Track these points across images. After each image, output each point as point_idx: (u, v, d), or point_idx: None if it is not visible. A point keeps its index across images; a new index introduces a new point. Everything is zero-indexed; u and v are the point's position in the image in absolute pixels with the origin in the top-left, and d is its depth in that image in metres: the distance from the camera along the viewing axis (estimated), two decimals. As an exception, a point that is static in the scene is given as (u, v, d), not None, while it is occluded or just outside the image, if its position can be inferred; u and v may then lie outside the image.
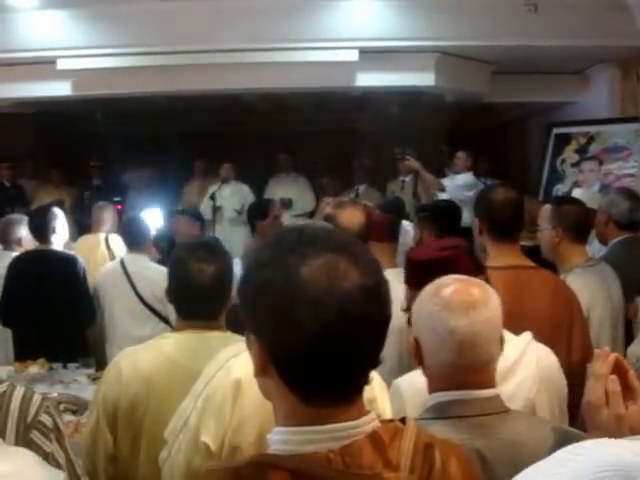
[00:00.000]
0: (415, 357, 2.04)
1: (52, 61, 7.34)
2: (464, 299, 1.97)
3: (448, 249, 2.59)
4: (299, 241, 1.30)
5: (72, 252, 5.67)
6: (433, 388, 2.02)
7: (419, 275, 2.43)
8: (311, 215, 9.45)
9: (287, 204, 9.58)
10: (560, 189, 8.22)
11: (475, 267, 2.44)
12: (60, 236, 5.51)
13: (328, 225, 2.97)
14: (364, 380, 1.33)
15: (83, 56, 7.35)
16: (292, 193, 9.83)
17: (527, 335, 2.50)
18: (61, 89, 7.75)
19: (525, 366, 2.40)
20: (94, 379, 4.54)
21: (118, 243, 6.34)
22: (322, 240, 1.30)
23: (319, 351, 1.24)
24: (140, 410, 2.56)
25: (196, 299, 2.66)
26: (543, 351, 2.53)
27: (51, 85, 7.71)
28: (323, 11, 7.22)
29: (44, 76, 7.59)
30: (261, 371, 1.33)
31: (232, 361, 2.19)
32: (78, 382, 4.54)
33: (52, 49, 7.28)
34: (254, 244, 5.46)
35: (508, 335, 2.42)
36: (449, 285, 2.02)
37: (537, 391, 2.38)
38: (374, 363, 1.33)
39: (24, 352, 4.92)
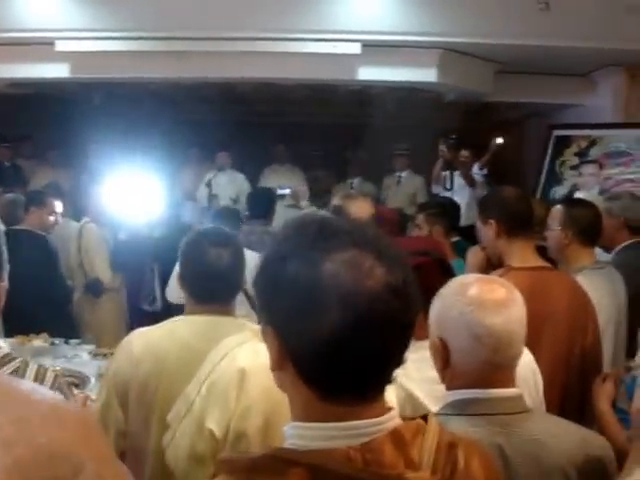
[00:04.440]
0: (438, 357, 2.01)
1: (51, 42, 7.26)
2: (495, 297, 1.96)
3: (422, 254, 2.56)
4: (320, 234, 1.26)
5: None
6: (454, 385, 1.99)
7: None
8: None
9: (281, 196, 9.56)
10: (558, 191, 8.22)
11: (443, 280, 2.41)
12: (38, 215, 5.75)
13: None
14: (387, 379, 1.30)
15: (82, 38, 7.28)
16: (286, 183, 9.81)
17: None
18: (59, 71, 7.66)
19: None
20: (95, 355, 4.77)
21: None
22: (345, 234, 1.26)
23: (341, 351, 1.21)
24: (151, 389, 2.59)
25: (211, 283, 2.69)
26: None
27: (49, 67, 7.62)
28: (327, 3, 7.19)
29: (42, 57, 7.50)
30: (277, 365, 1.30)
31: (237, 350, 2.21)
32: (80, 357, 4.71)
33: (51, 30, 7.20)
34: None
35: None
36: (474, 284, 2.00)
37: None
38: (399, 362, 1.30)
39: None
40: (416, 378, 2.32)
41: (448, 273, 2.55)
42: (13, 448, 0.51)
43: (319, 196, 9.29)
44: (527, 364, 2.45)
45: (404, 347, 1.29)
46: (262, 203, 6.11)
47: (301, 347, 1.24)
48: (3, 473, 0.50)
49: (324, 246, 1.23)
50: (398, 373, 2.10)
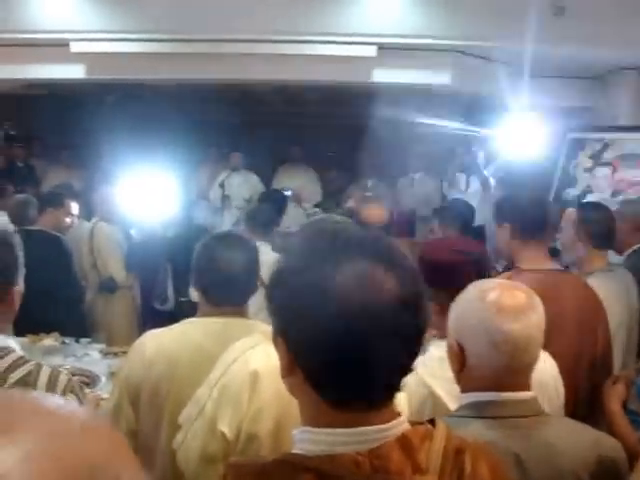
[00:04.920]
0: (455, 360, 2.02)
1: (66, 44, 7.29)
2: (514, 303, 1.96)
3: (459, 254, 2.58)
4: (333, 246, 1.28)
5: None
6: (469, 388, 2.01)
7: (428, 272, 2.45)
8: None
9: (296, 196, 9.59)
10: (571, 193, 8.19)
11: (478, 277, 2.41)
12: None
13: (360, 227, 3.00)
14: (395, 387, 1.32)
15: (97, 40, 7.31)
16: (299, 184, 9.83)
17: None
18: (74, 72, 7.68)
19: None
20: (105, 354, 4.74)
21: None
22: (357, 246, 1.28)
23: (349, 360, 1.23)
24: (163, 391, 2.60)
25: (225, 285, 2.70)
26: (542, 356, 2.52)
27: (64, 68, 7.65)
28: (343, 5, 7.18)
29: (58, 58, 7.54)
30: (287, 372, 1.32)
31: (249, 352, 2.21)
32: (90, 356, 4.69)
33: (67, 32, 7.23)
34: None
35: None
36: (493, 290, 2.01)
37: None
38: (407, 371, 1.32)
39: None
40: (439, 376, 2.34)
41: (484, 274, 2.55)
42: (55, 461, 0.52)
43: (333, 197, 9.31)
44: (548, 370, 2.47)
45: (413, 357, 1.31)
46: (276, 206, 6.13)
47: (310, 355, 1.27)
48: None
49: (335, 259, 1.25)
50: (422, 371, 2.12)
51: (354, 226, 1.34)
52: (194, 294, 5.26)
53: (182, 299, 6.21)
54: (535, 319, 1.96)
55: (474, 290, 2.04)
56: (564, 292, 3.14)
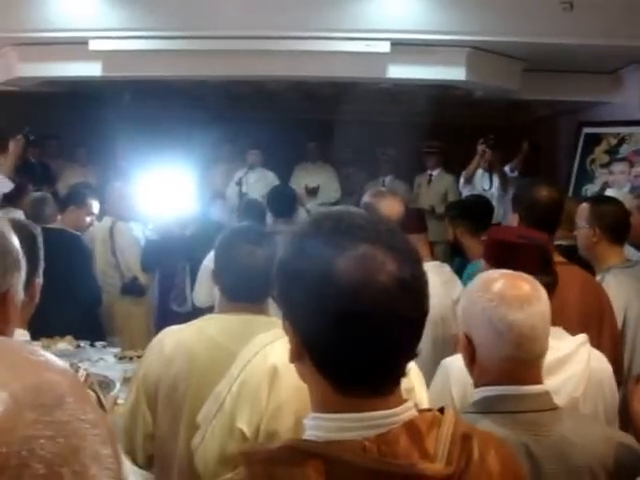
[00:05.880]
0: (465, 353, 2.04)
1: (84, 42, 7.33)
2: (518, 293, 1.98)
3: (525, 238, 2.61)
4: (337, 230, 1.29)
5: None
6: (482, 382, 2.02)
7: (494, 253, 2.56)
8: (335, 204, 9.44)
9: (313, 192, 9.60)
10: (589, 189, 8.18)
11: (542, 268, 2.43)
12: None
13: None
14: (400, 372, 1.33)
15: (115, 38, 7.35)
16: (317, 181, 9.83)
17: (583, 336, 2.52)
18: (92, 70, 7.73)
19: (574, 364, 2.41)
20: (120, 358, 4.64)
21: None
22: (360, 230, 1.29)
23: (352, 344, 1.25)
24: (181, 389, 2.58)
25: (244, 281, 2.68)
26: (596, 355, 2.54)
27: (82, 65, 7.69)
28: (356, 2, 7.19)
29: (75, 56, 7.58)
30: (295, 357, 1.34)
31: (269, 347, 2.19)
32: (105, 360, 4.59)
33: (85, 30, 7.28)
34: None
35: (561, 332, 2.46)
36: (498, 280, 2.03)
37: (583, 391, 2.37)
38: (410, 355, 1.33)
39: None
40: None
41: (547, 261, 2.58)
42: (9, 386, 0.64)
43: (351, 194, 9.32)
44: (606, 370, 2.51)
45: (415, 341, 1.32)
46: (284, 202, 6.15)
47: (315, 340, 1.29)
48: (1, 404, 0.62)
49: (338, 242, 1.26)
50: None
51: (361, 211, 1.35)
52: (198, 297, 5.30)
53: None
54: (540, 309, 1.98)
55: (479, 281, 2.07)
56: (566, 284, 3.14)
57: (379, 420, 1.27)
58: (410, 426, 1.29)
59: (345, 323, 1.23)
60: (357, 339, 1.24)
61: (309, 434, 1.32)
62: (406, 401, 1.33)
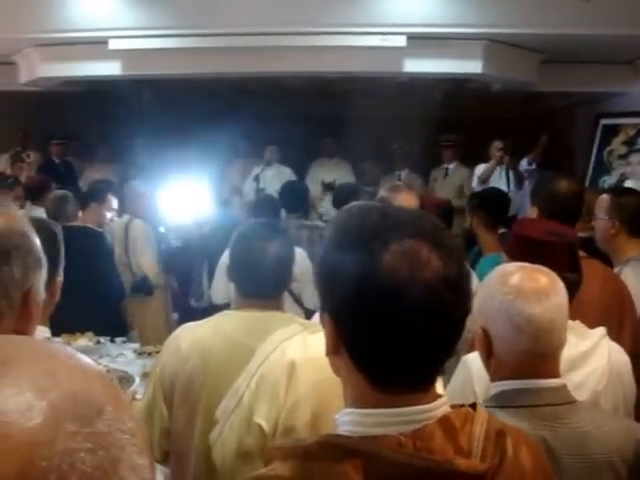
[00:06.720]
0: (482, 347, 2.03)
1: (104, 41, 7.40)
2: (535, 286, 1.97)
3: (555, 235, 2.58)
4: (382, 225, 1.29)
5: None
6: (499, 377, 2.01)
7: (520, 249, 2.50)
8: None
9: (330, 187, 9.61)
10: (607, 181, 8.13)
11: (570, 265, 2.41)
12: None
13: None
14: (438, 368, 1.33)
15: (135, 37, 7.41)
16: (334, 177, 9.84)
17: (601, 329, 2.50)
18: (111, 69, 7.81)
19: (597, 357, 2.39)
20: (140, 353, 4.67)
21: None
22: (406, 225, 1.28)
23: (393, 340, 1.25)
24: (197, 385, 2.58)
25: (258, 277, 2.68)
26: (616, 347, 2.52)
27: (102, 65, 7.77)
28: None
29: (95, 56, 7.66)
30: (332, 350, 1.33)
31: (286, 343, 2.19)
32: (125, 356, 4.62)
33: (104, 29, 7.34)
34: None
35: (582, 327, 2.44)
36: (515, 273, 2.02)
37: (605, 384, 2.36)
38: (450, 353, 1.33)
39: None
40: None
41: (575, 259, 2.56)
42: (47, 394, 0.62)
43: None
44: (625, 363, 2.49)
45: (456, 338, 1.31)
46: (297, 197, 6.18)
47: (355, 334, 1.28)
48: (40, 414, 0.60)
49: (384, 237, 1.26)
50: None
51: (404, 207, 1.34)
52: (216, 295, 5.33)
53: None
54: (557, 302, 1.96)
55: (496, 274, 2.05)
56: (588, 279, 3.13)
57: (415, 416, 1.28)
58: (444, 422, 1.29)
59: (388, 319, 1.24)
60: (399, 336, 1.24)
61: (343, 429, 1.32)
62: (440, 396, 1.34)
